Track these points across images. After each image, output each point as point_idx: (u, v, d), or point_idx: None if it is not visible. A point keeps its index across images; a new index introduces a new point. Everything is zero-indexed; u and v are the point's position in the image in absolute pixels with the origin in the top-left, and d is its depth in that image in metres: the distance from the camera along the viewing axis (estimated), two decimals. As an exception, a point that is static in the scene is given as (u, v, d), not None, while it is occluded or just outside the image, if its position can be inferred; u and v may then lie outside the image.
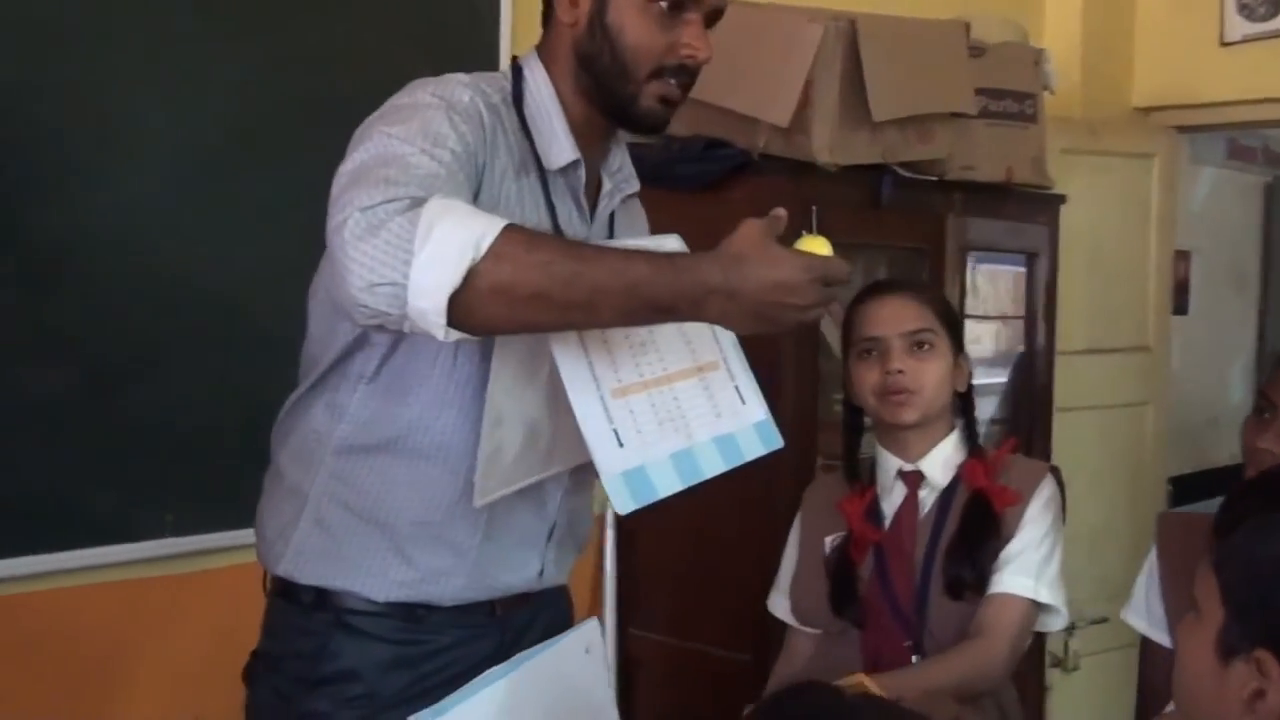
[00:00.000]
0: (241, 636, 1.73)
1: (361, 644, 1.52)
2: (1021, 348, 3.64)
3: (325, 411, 1.53)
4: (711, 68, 2.27)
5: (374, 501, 1.49)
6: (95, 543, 2.33)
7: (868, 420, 2.25)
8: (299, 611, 1.56)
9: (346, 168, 1.33)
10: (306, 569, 1.54)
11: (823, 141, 2.72)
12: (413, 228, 1.19)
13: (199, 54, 2.37)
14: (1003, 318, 3.62)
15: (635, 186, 1.65)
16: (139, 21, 2.30)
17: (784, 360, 2.77)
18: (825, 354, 2.79)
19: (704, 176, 2.80)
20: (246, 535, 1.76)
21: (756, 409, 1.50)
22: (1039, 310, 3.63)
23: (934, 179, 3.12)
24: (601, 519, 2.95)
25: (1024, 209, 3.49)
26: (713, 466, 1.42)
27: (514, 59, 1.56)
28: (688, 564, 3.00)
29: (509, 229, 1.23)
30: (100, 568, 2.34)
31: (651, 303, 1.24)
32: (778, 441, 1.52)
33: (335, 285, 1.24)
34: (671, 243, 1.54)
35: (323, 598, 1.53)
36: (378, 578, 1.51)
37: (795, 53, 2.65)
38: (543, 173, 1.50)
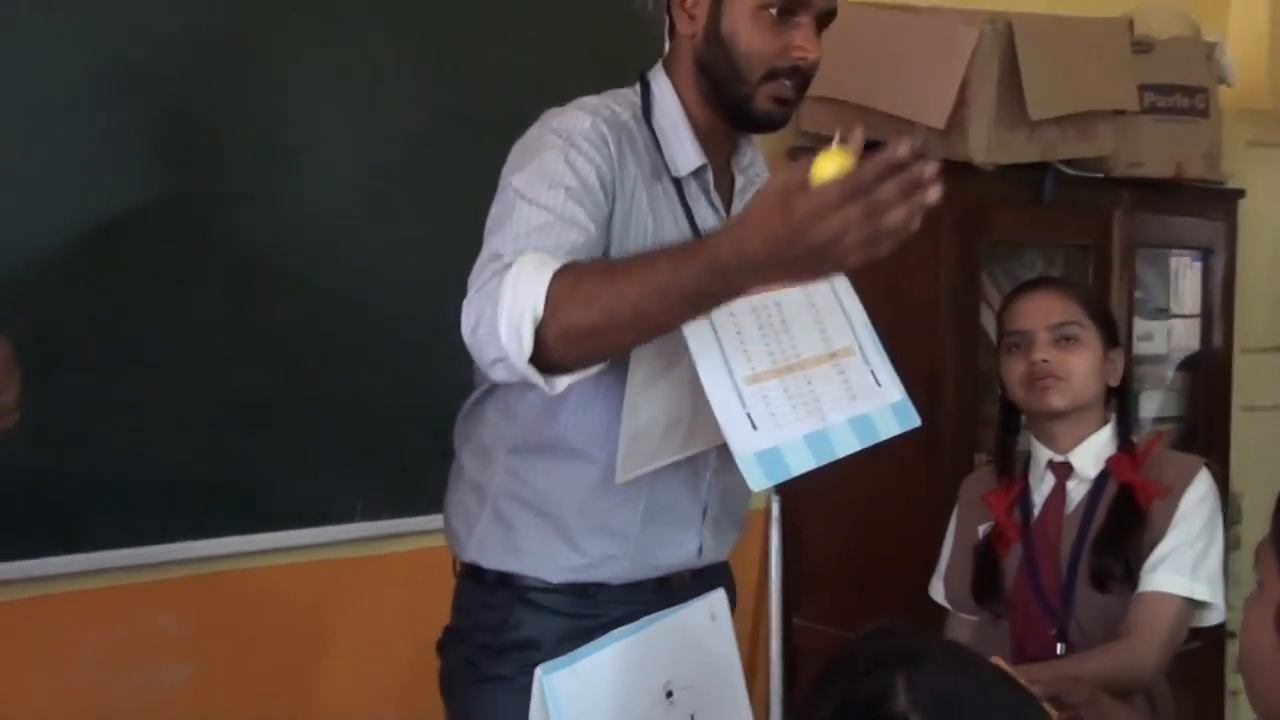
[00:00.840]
0: (429, 613, 1.82)
1: (540, 617, 1.62)
2: (1197, 345, 3.63)
3: (499, 415, 1.63)
4: (865, 71, 2.44)
5: (543, 496, 1.60)
6: (294, 525, 2.47)
7: (1024, 419, 2.30)
8: (484, 590, 1.66)
9: (489, 219, 1.44)
10: (489, 556, 1.65)
11: (980, 141, 2.74)
12: (496, 310, 1.30)
13: (382, 70, 2.47)
14: (1177, 315, 3.61)
15: (766, 178, 1.66)
16: (327, 39, 2.43)
17: (945, 358, 2.86)
18: (986, 352, 2.82)
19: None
20: (429, 521, 1.89)
21: (893, 390, 1.54)
22: (1215, 307, 3.60)
23: (1099, 176, 3.14)
24: (766, 514, 3.02)
25: (1198, 204, 3.46)
26: (847, 445, 1.45)
27: (641, 74, 1.62)
28: (852, 556, 3.03)
29: (557, 276, 1.30)
30: (299, 548, 2.47)
31: (686, 297, 1.28)
32: (915, 420, 1.55)
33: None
34: None
35: (505, 579, 1.64)
36: (551, 563, 1.62)
37: (951, 55, 2.68)
38: (676, 180, 1.56)
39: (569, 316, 1.28)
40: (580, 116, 1.47)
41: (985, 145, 2.74)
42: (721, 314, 1.38)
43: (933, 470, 2.77)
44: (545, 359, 1.31)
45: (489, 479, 1.64)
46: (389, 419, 2.52)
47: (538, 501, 1.59)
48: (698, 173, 1.57)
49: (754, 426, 1.36)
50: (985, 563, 2.19)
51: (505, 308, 1.28)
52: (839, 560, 3.05)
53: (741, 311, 1.41)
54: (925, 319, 2.85)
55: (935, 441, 2.72)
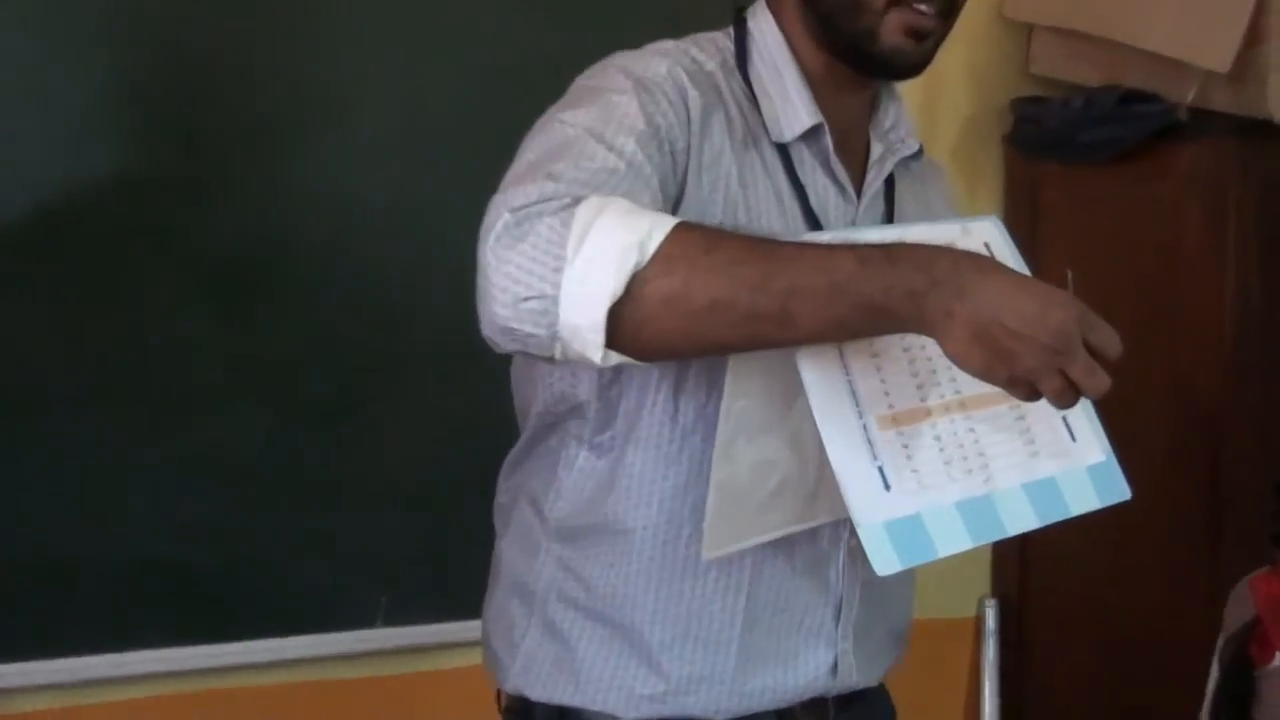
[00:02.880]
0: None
1: None
2: None
3: (542, 482, 1.53)
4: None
5: (605, 597, 1.50)
6: (289, 630, 2.34)
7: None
8: None
9: (513, 167, 1.36)
10: (540, 684, 1.53)
11: (1278, 90, 2.52)
12: (565, 230, 1.23)
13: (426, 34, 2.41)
14: None
15: (914, 146, 1.58)
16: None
17: (1236, 397, 2.62)
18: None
19: (1114, 143, 2.68)
20: (473, 625, 1.72)
21: (1092, 448, 1.43)
22: None
23: None
24: (977, 623, 2.92)
25: None
26: (1020, 520, 1.36)
27: (738, 11, 1.55)
28: (1099, 680, 2.87)
29: (681, 226, 1.24)
30: (295, 663, 2.35)
31: (860, 304, 1.22)
32: (1122, 491, 1.43)
33: (480, 303, 1.26)
34: (983, 230, 1.45)
35: (563, 716, 1.52)
36: (623, 692, 1.49)
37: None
38: (781, 146, 1.49)
39: (691, 278, 1.21)
40: (655, 61, 1.42)
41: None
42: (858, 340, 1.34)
43: (1214, 562, 2.60)
44: (613, 321, 1.22)
45: (535, 576, 1.54)
46: (431, 479, 2.40)
47: (598, 605, 1.49)
48: (811, 136, 1.49)
49: (886, 485, 1.29)
50: (1234, 674, 2.12)
51: (590, 239, 1.21)
52: (1081, 686, 2.91)
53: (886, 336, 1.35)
54: (1207, 340, 2.65)
55: (1218, 520, 2.61)
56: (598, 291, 1.21)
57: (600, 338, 1.22)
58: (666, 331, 1.24)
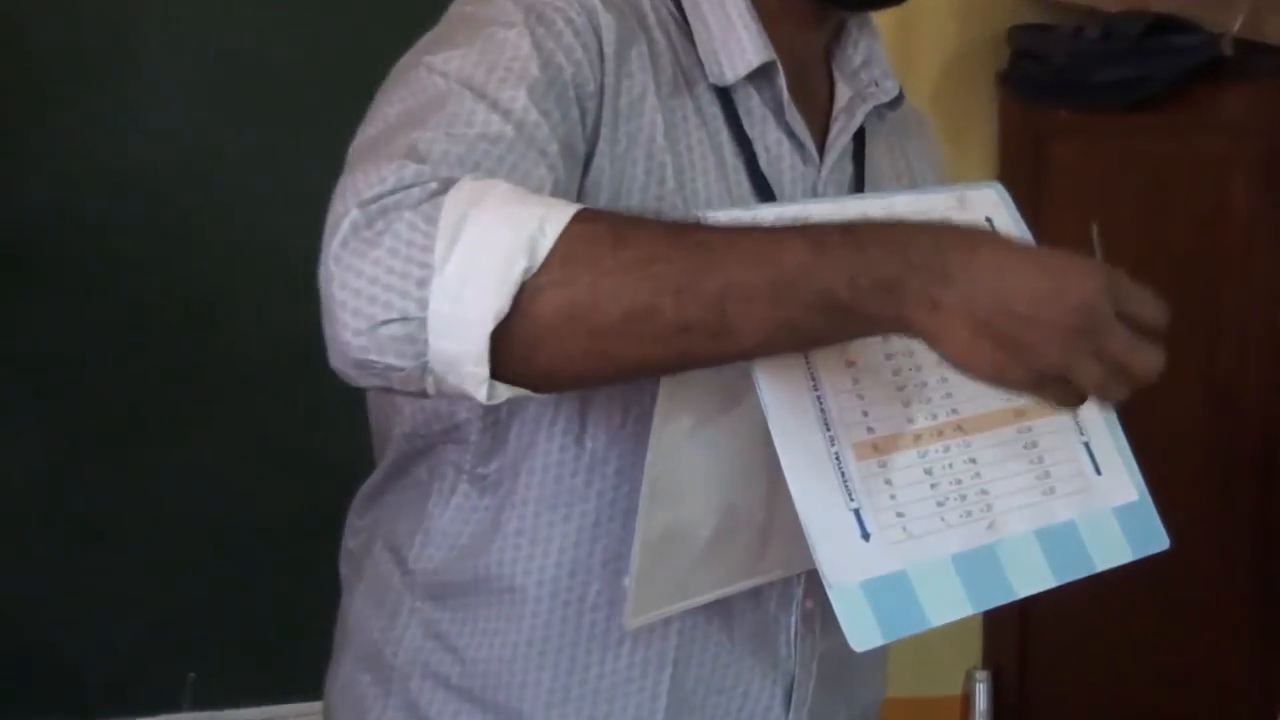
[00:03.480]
0: None
1: None
2: None
3: (406, 523, 1.41)
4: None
5: (485, 674, 1.37)
6: (80, 714, 2.25)
7: None
8: None
9: (365, 129, 1.25)
10: None
11: None
12: (431, 228, 1.11)
13: None
14: None
15: (891, 89, 1.46)
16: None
17: None
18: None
19: (1139, 85, 2.49)
20: (310, 709, 1.71)
21: (1122, 483, 1.32)
22: None
23: None
24: (965, 703, 2.78)
25: None
26: (1032, 579, 1.26)
27: None
28: None
29: (583, 216, 1.11)
30: None
31: (817, 303, 1.10)
32: (1159, 539, 1.32)
33: (327, 327, 1.14)
34: (983, 200, 1.35)
35: None
36: None
37: None
38: (723, 90, 1.38)
39: (595, 285, 1.09)
40: None
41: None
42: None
43: (1268, 621, 2.47)
44: (499, 347, 1.10)
45: (394, 644, 1.40)
46: (248, 522, 2.27)
47: (477, 684, 1.37)
48: (760, 77, 1.36)
49: (864, 534, 1.16)
50: None
51: (464, 241, 1.09)
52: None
53: (865, 341, 1.21)
54: (1255, 334, 2.45)
55: (1273, 566, 2.46)
56: (477, 311, 1.09)
57: (483, 369, 1.10)
58: (569, 355, 1.12)
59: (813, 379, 1.20)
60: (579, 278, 1.10)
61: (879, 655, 1.49)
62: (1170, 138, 2.50)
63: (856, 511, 1.18)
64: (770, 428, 1.17)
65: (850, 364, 1.21)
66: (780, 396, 1.18)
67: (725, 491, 1.30)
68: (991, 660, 2.79)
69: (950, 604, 1.20)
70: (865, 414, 1.21)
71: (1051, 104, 2.57)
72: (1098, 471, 1.29)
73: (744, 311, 1.10)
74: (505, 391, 1.12)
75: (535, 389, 1.14)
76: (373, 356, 1.12)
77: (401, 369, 1.12)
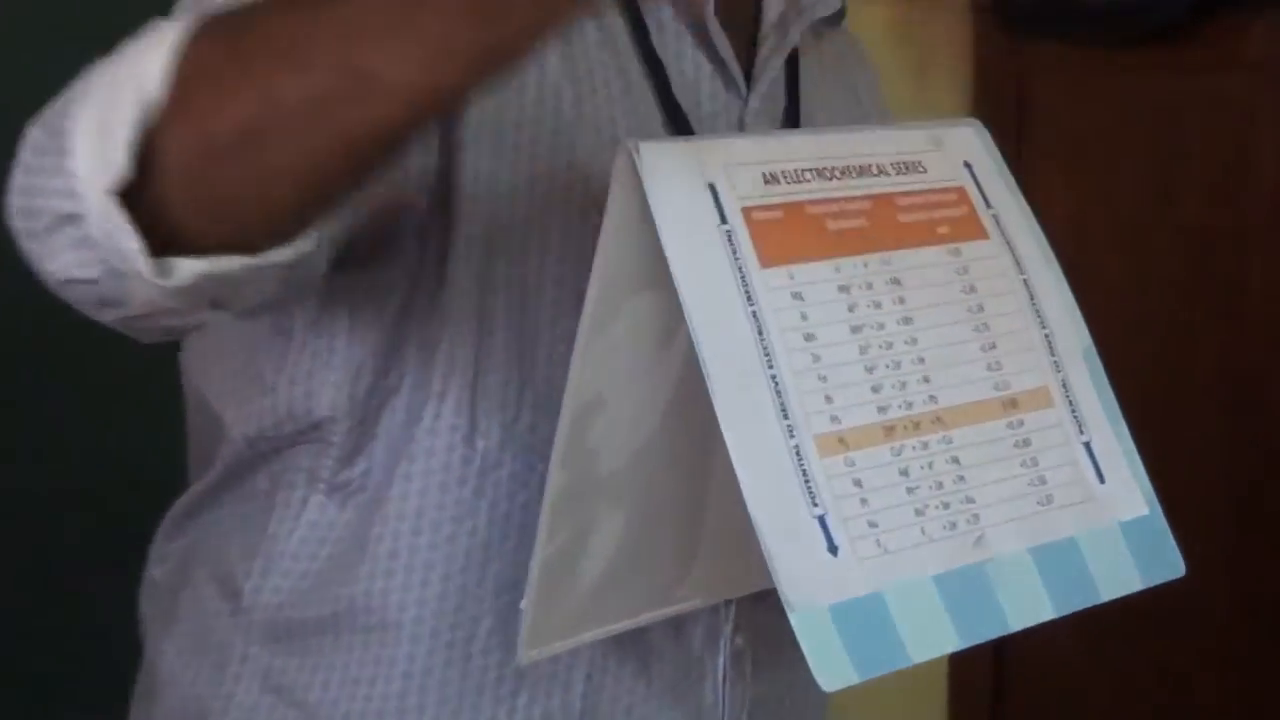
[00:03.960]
0: None
1: None
2: None
3: (239, 546, 1.28)
4: None
5: None
6: None
7: None
8: None
9: None
10: None
11: None
12: (66, 104, 1.01)
13: None
14: None
15: (834, 3, 1.36)
16: None
17: None
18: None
19: (1146, 12, 2.34)
20: None
21: (1130, 494, 1.18)
22: None
23: None
24: None
25: None
26: (1028, 608, 1.11)
27: None
28: None
29: (211, 25, 0.99)
30: None
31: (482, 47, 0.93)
32: (1172, 564, 1.17)
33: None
34: (961, 142, 1.21)
35: None
36: None
37: None
38: (629, 2, 1.26)
39: (219, 101, 0.98)
40: None
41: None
42: (785, 315, 1.08)
43: None
44: (161, 212, 0.95)
45: (222, 701, 1.27)
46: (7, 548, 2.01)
47: None
48: None
49: (831, 546, 1.06)
50: None
51: (87, 91, 0.99)
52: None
53: (826, 310, 1.11)
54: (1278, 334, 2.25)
55: None
56: (98, 175, 0.97)
57: (134, 243, 0.95)
58: (223, 201, 0.98)
59: (767, 355, 1.09)
60: (197, 97, 0.98)
61: (822, 706, 1.40)
62: (1180, 78, 2.29)
63: (822, 519, 1.06)
64: (718, 413, 1.04)
65: (809, 337, 1.09)
66: (729, 376, 1.07)
67: (647, 493, 1.20)
68: (959, 712, 2.61)
69: (934, 636, 1.10)
70: (829, 400, 1.10)
71: (1037, 34, 2.40)
72: (1101, 478, 1.17)
73: (383, 53, 0.97)
74: (186, 267, 0.97)
75: (209, 250, 0.98)
76: (68, 273, 1.01)
77: (90, 283, 1.00)
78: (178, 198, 0.97)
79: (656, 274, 1.02)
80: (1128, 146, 2.27)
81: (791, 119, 1.28)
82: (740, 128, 1.23)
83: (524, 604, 1.15)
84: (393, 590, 1.24)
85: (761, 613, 1.26)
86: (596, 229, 1.00)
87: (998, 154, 1.20)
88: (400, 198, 1.08)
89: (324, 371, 1.21)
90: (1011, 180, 1.19)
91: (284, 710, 1.24)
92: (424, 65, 0.94)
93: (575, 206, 1.11)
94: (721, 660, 1.30)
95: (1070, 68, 2.37)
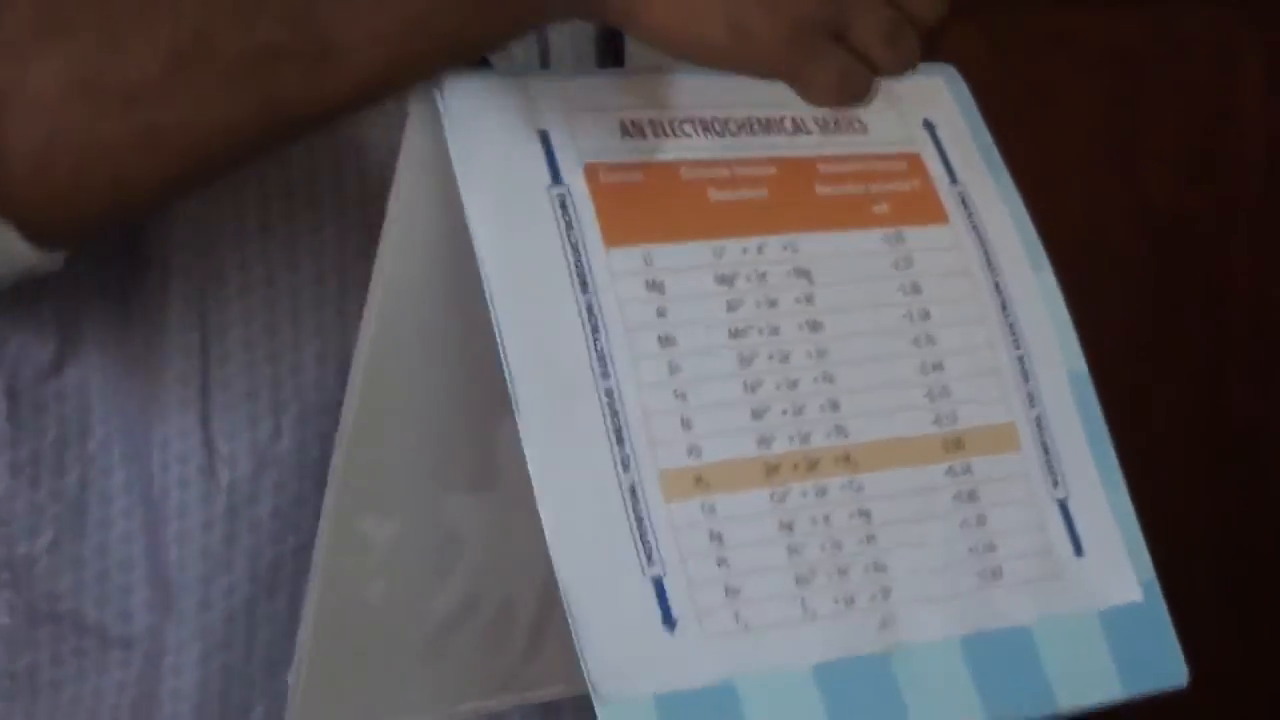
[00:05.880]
0: None
1: None
2: None
3: None
4: None
5: None
6: None
7: None
8: None
9: None
10: None
11: None
12: None
13: None
14: None
15: None
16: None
17: None
18: None
19: None
20: None
21: (1117, 570, 1.10)
22: None
23: None
24: None
25: None
26: (948, 715, 1.04)
27: None
28: None
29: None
30: None
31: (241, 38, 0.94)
32: (1173, 673, 1.08)
33: None
34: (928, 92, 1.12)
35: None
36: None
37: None
38: None
39: (27, 67, 0.96)
40: None
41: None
42: (634, 310, 1.00)
43: None
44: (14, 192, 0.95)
45: None
46: None
47: None
48: None
49: (667, 616, 1.00)
50: None
51: None
52: None
53: (695, 307, 1.03)
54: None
55: None
56: None
57: (10, 226, 0.98)
58: (62, 193, 0.95)
59: (602, 361, 1.02)
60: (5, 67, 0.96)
61: None
62: (1154, 15, 2.09)
63: (658, 581, 0.99)
64: (521, 432, 0.98)
65: (666, 342, 1.02)
66: (542, 385, 0.99)
67: (470, 544, 1.13)
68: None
69: None
70: (687, 424, 1.04)
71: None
72: (1078, 549, 1.07)
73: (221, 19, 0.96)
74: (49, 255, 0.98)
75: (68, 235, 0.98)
76: None
77: None
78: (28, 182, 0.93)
79: (462, 253, 0.90)
80: (1086, 102, 2.09)
81: (613, 58, 1.09)
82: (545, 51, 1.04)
83: (291, 676, 1.02)
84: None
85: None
86: (361, 188, 0.95)
87: (976, 113, 1.08)
88: None
89: None
90: (992, 148, 1.05)
91: None
92: (391, 44, 0.90)
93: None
94: None
95: (1065, 34, 2.07)
